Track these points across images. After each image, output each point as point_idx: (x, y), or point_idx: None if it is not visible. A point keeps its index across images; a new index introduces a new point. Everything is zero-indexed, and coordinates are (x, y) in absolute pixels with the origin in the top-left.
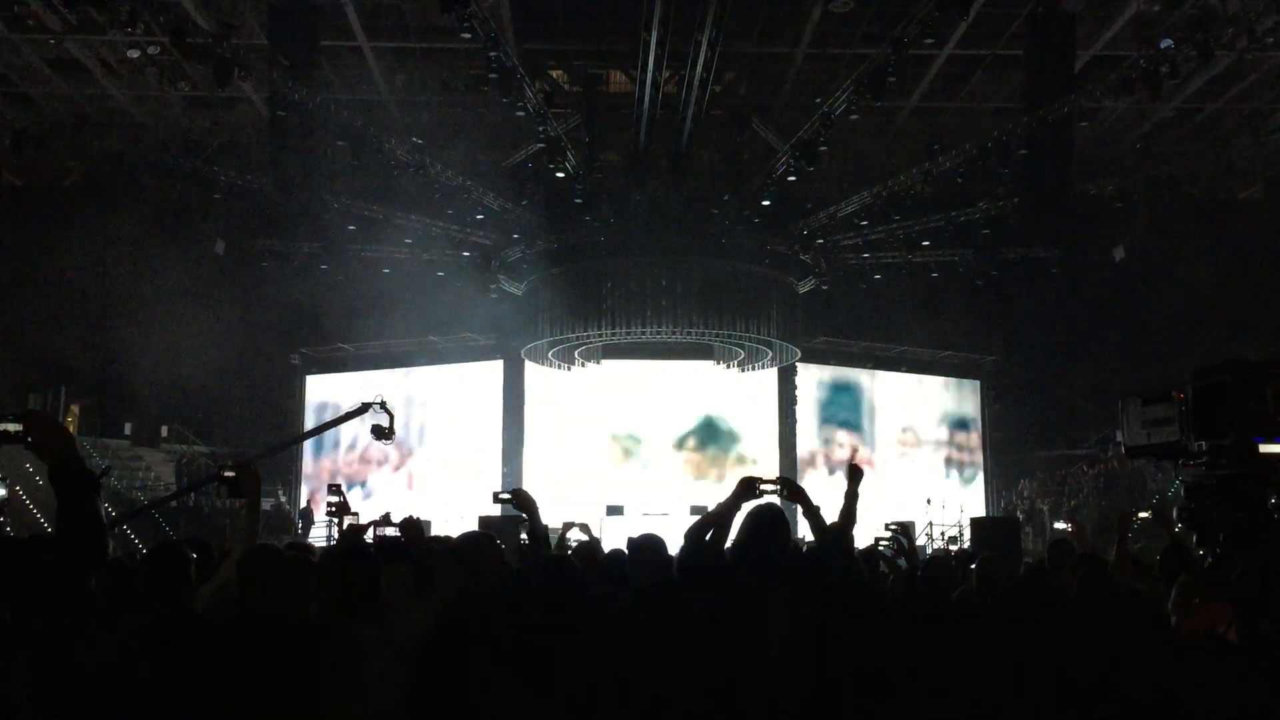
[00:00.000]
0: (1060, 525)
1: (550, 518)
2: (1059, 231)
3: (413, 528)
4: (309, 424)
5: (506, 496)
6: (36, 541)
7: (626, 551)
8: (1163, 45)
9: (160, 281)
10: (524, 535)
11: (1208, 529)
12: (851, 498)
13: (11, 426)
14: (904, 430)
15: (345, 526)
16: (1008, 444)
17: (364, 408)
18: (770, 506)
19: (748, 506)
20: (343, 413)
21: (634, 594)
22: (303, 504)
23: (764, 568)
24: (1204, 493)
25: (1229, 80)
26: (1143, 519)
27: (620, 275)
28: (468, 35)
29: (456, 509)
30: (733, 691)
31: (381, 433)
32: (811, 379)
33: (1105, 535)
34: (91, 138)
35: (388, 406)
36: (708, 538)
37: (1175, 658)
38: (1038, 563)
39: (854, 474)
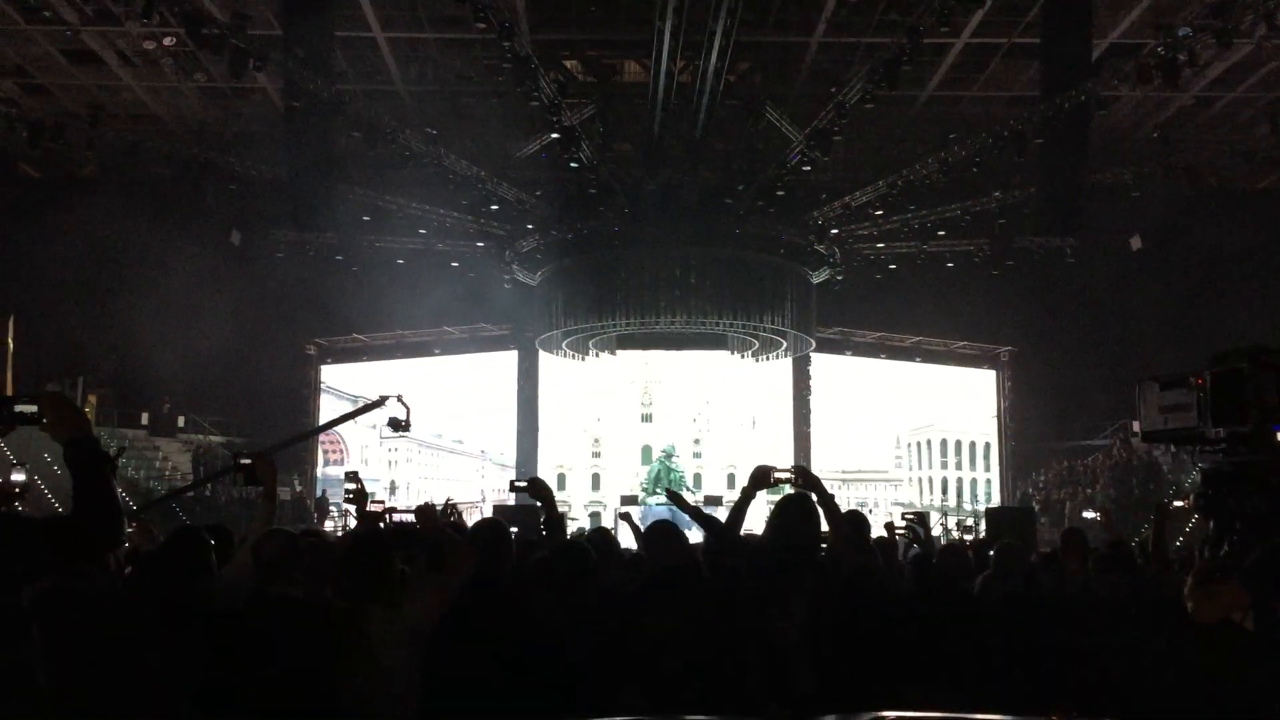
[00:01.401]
0: (1089, 515)
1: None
2: (1075, 221)
3: (426, 514)
4: (323, 414)
5: (523, 485)
6: (53, 522)
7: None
8: (1180, 33)
9: (176, 272)
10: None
11: (1225, 516)
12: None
13: (27, 408)
14: (919, 420)
15: (360, 513)
16: (1024, 434)
17: (381, 400)
18: (800, 497)
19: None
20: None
21: (647, 579)
22: (318, 493)
23: (790, 557)
24: (1221, 480)
25: (1247, 69)
26: (1178, 507)
27: (634, 265)
28: (482, 25)
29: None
30: (746, 675)
31: (398, 425)
32: (826, 369)
33: (1122, 525)
34: (107, 129)
35: (404, 400)
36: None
37: (1190, 644)
38: (1054, 551)
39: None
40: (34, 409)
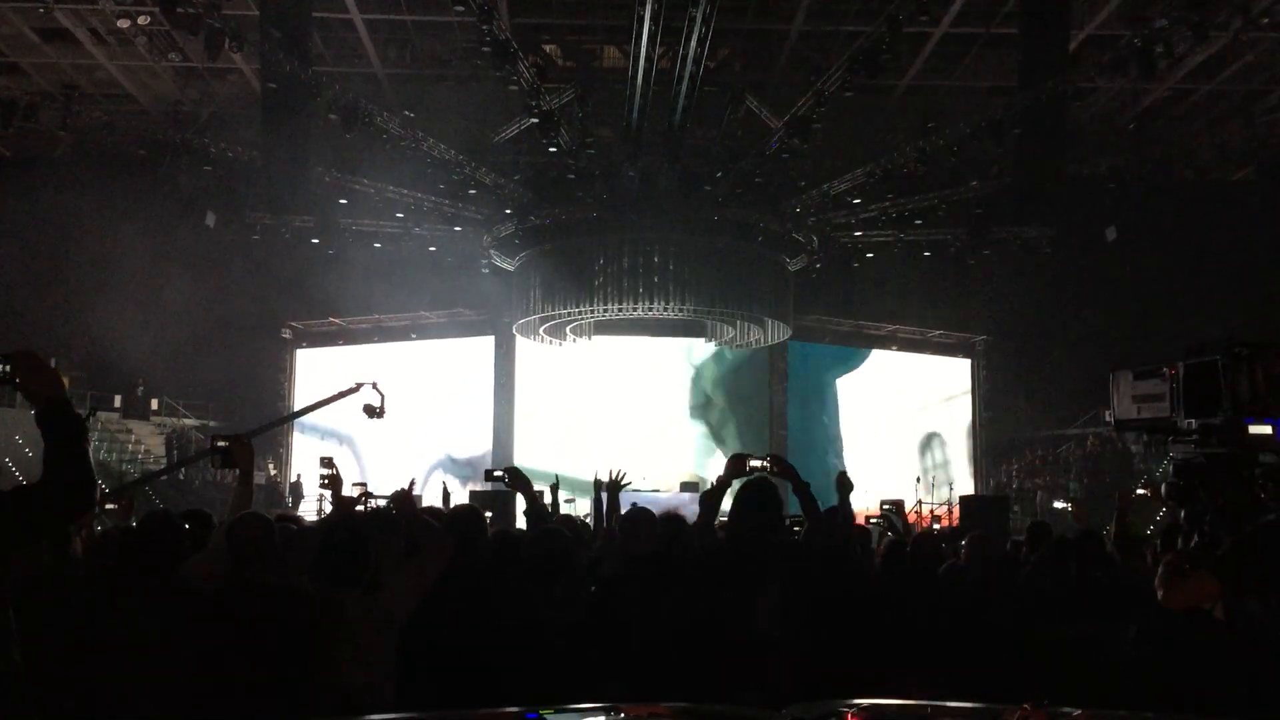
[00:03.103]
0: (1060, 505)
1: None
2: (1051, 211)
3: (403, 499)
4: (299, 398)
5: (500, 474)
6: (22, 490)
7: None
8: (1157, 25)
9: (151, 253)
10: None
11: (1196, 507)
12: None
13: None
14: (895, 409)
15: (336, 498)
16: (998, 423)
17: (356, 387)
18: (762, 480)
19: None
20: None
21: (621, 564)
22: (293, 478)
23: (756, 541)
24: (1193, 471)
25: (1223, 61)
26: (1139, 495)
27: (612, 251)
28: (460, 9)
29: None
30: (720, 659)
31: (373, 412)
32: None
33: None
34: (81, 108)
35: (379, 386)
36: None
37: (1161, 634)
38: (1023, 541)
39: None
40: (6, 368)
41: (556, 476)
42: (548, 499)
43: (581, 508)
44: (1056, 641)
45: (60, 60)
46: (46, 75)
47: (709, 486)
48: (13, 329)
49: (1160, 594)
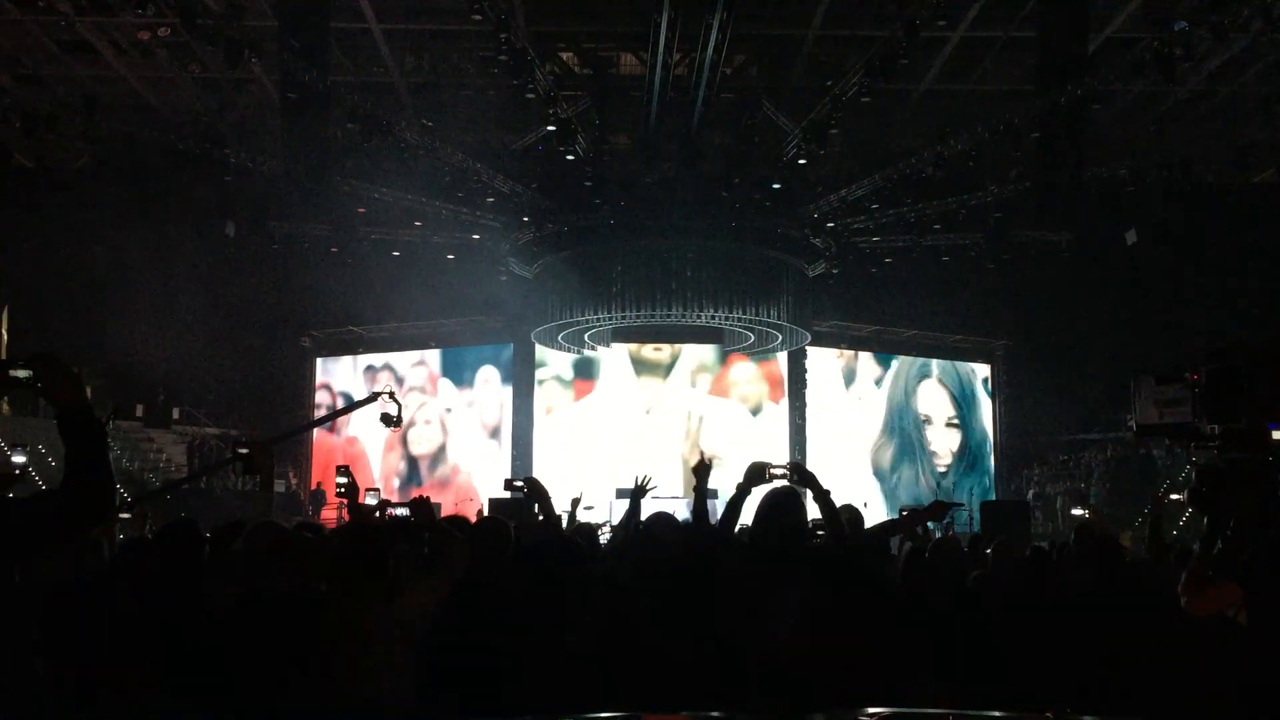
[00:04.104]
0: (1077, 511)
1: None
2: (1071, 215)
3: (422, 508)
4: (320, 407)
5: (520, 484)
6: (43, 496)
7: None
8: (1176, 27)
9: (171, 263)
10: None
11: (1219, 512)
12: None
13: (21, 373)
14: (917, 414)
15: (353, 506)
16: (1018, 428)
17: (373, 396)
18: (786, 491)
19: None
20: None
21: (641, 571)
22: (313, 486)
23: (777, 550)
24: (1216, 476)
25: (1243, 63)
26: (1174, 500)
27: (630, 258)
28: (478, 17)
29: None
30: (740, 667)
31: (390, 420)
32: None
33: (1115, 519)
34: (102, 120)
35: (396, 396)
36: (717, 519)
37: (1184, 639)
38: (1050, 546)
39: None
40: (29, 373)
41: (581, 493)
42: (565, 509)
43: (599, 516)
44: (1079, 649)
45: (81, 71)
46: (68, 87)
47: (731, 494)
48: (35, 338)
49: (1184, 602)
